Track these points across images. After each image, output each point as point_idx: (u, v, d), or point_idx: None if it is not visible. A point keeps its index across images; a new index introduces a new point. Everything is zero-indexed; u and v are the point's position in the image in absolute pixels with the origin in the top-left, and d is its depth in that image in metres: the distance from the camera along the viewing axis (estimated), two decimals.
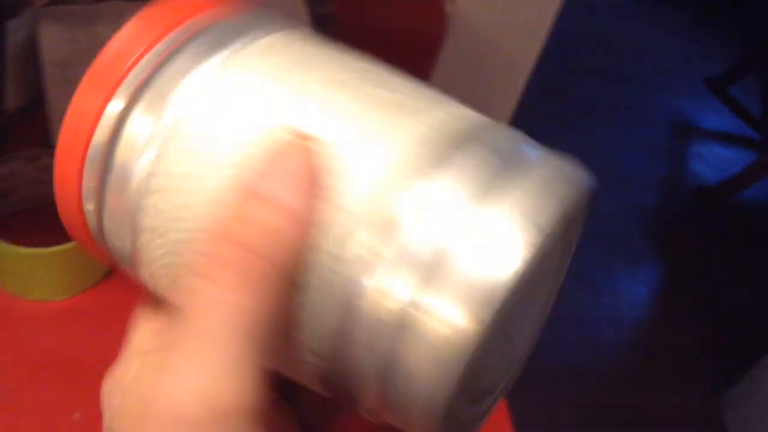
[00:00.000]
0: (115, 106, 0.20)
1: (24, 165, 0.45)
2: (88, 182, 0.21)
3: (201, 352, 0.17)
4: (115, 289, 0.46)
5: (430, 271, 0.18)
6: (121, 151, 0.20)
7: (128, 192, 0.20)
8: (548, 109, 1.71)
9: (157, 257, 0.21)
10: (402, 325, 0.18)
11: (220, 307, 0.18)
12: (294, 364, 0.20)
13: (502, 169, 0.19)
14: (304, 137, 0.19)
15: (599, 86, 1.94)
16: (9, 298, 0.44)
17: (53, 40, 0.50)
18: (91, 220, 0.22)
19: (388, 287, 0.18)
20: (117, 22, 0.21)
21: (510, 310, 0.18)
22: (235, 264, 0.18)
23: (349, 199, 0.19)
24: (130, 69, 0.21)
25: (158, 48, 0.21)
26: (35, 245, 0.42)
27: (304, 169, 0.18)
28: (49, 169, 0.46)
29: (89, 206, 0.22)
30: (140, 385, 0.19)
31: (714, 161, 1.86)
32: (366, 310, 0.18)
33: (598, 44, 2.08)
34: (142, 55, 0.21)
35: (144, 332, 0.22)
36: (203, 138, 0.20)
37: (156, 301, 0.22)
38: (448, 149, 0.19)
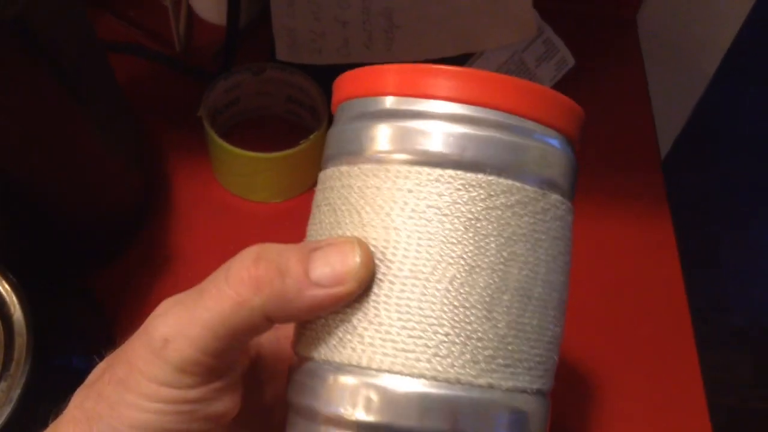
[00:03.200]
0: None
1: (250, 77, 0.49)
2: None
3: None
4: None
5: None
6: None
7: None
8: None
9: None
10: None
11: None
12: None
13: None
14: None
15: None
16: (232, 198, 0.49)
17: None
18: None
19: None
20: None
21: None
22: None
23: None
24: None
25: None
26: (257, 151, 0.46)
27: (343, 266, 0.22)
28: (271, 81, 0.50)
29: None
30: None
31: None
32: None
33: None
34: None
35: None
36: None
37: None
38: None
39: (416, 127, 0.23)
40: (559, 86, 0.53)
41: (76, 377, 0.42)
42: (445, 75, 0.23)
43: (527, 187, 0.23)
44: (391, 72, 0.24)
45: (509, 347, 0.22)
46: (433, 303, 0.22)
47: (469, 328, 0.22)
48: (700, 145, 1.47)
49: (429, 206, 0.22)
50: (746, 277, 1.34)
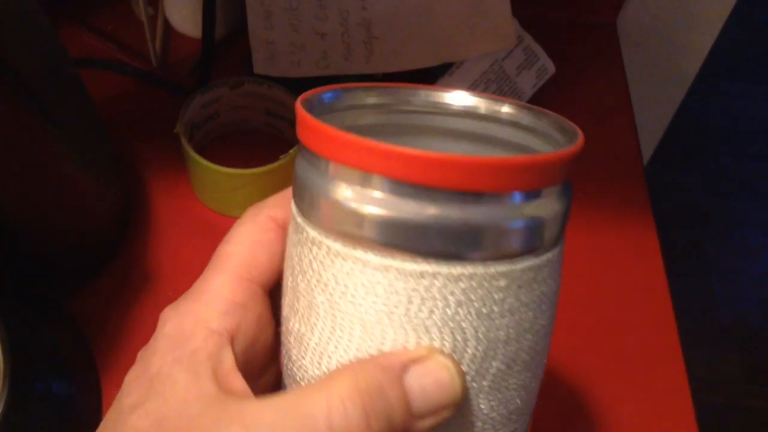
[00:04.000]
0: None
1: (228, 91, 0.49)
2: None
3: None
4: None
5: None
6: None
7: None
8: None
9: None
10: None
11: None
12: None
13: None
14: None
15: None
16: (212, 215, 0.49)
17: None
18: None
19: None
20: None
21: None
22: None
23: None
24: None
25: None
26: (237, 166, 0.45)
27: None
28: (249, 95, 0.50)
29: None
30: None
31: None
32: None
33: None
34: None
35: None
36: None
37: None
38: None
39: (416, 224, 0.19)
40: (541, 94, 0.53)
41: (57, 402, 0.42)
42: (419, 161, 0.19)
43: (515, 267, 0.20)
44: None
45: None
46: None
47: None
48: (683, 148, 1.48)
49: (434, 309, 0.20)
50: (733, 275, 1.35)
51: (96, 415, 0.42)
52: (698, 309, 1.28)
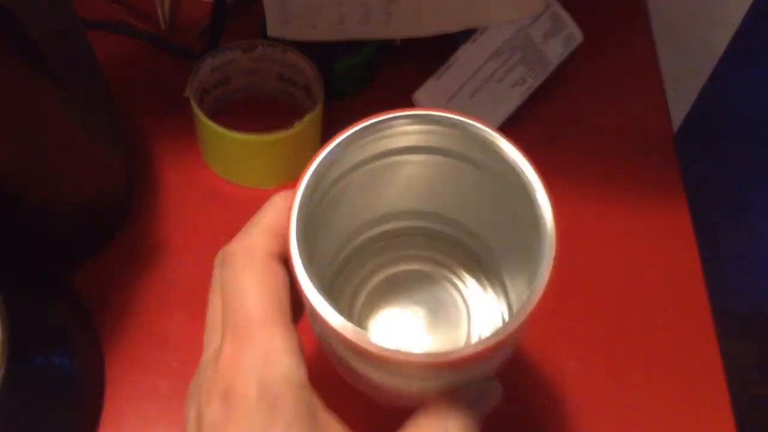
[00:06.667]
0: None
1: (240, 55, 0.46)
2: None
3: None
4: None
5: None
6: None
7: None
8: None
9: None
10: None
11: None
12: None
13: None
14: None
15: None
16: (223, 184, 0.47)
17: None
18: None
19: None
20: None
21: None
22: None
23: None
24: None
25: None
26: (249, 132, 0.43)
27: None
28: (263, 59, 0.47)
29: None
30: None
31: None
32: None
33: None
34: None
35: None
36: None
37: None
38: None
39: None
40: (567, 63, 0.50)
41: (59, 378, 0.40)
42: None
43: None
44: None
45: None
46: None
47: None
48: (704, 129, 1.45)
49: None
50: (747, 263, 1.33)
51: (99, 390, 0.40)
52: (710, 296, 1.26)
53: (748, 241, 1.36)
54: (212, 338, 0.26)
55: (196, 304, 0.42)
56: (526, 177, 0.27)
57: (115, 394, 0.40)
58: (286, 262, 0.26)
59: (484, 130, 0.27)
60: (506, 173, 0.27)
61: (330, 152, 0.27)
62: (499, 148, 0.27)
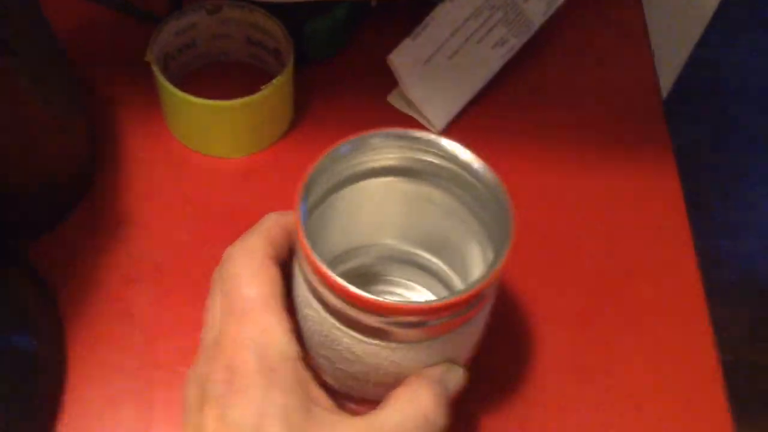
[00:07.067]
0: None
1: (205, 16, 0.44)
2: None
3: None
4: (288, 151, 0.45)
5: None
6: None
7: None
8: None
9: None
10: None
11: None
12: None
13: None
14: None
15: None
16: (189, 153, 0.44)
17: None
18: None
19: None
20: None
21: None
22: None
23: None
24: None
25: None
26: (216, 98, 0.41)
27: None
28: (229, 21, 0.45)
29: None
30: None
31: None
32: None
33: None
34: None
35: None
36: None
37: None
38: None
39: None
40: (553, 25, 0.48)
41: (18, 357, 0.38)
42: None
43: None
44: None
45: None
46: None
47: None
48: (693, 94, 1.43)
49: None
50: (738, 230, 1.32)
51: (60, 369, 0.38)
52: (703, 264, 1.25)
53: (739, 207, 1.35)
54: (211, 330, 0.28)
55: (162, 278, 0.41)
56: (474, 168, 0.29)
57: (77, 373, 0.38)
58: (282, 265, 0.29)
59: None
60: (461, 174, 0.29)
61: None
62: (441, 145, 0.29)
